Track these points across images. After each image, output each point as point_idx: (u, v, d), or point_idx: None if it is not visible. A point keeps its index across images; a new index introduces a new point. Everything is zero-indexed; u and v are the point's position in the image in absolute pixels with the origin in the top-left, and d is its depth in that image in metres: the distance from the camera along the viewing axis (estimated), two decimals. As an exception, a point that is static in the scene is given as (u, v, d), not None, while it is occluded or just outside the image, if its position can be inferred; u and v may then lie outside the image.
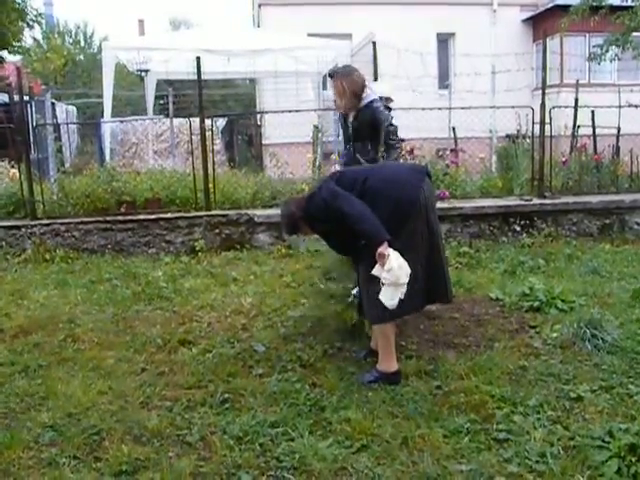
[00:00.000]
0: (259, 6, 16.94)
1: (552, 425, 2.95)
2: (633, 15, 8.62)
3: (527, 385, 3.40)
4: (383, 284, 3.23)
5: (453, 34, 17.42)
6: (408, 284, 3.23)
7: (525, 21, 18.06)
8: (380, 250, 3.21)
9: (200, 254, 6.77)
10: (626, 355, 3.78)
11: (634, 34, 9.12)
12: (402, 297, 3.23)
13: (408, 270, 3.22)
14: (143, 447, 2.85)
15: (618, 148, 9.25)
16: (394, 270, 3.18)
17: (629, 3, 9.04)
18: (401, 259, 3.21)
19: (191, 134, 7.79)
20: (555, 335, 4.12)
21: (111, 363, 3.87)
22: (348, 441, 2.84)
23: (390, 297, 3.23)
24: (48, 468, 2.72)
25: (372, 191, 3.39)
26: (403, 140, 4.77)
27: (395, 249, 3.22)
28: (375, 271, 3.28)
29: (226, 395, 3.34)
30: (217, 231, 7.03)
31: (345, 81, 4.41)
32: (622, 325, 4.26)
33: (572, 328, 4.09)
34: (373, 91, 4.62)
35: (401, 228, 3.34)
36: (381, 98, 5.95)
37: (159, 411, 3.20)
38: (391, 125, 4.60)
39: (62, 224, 7.05)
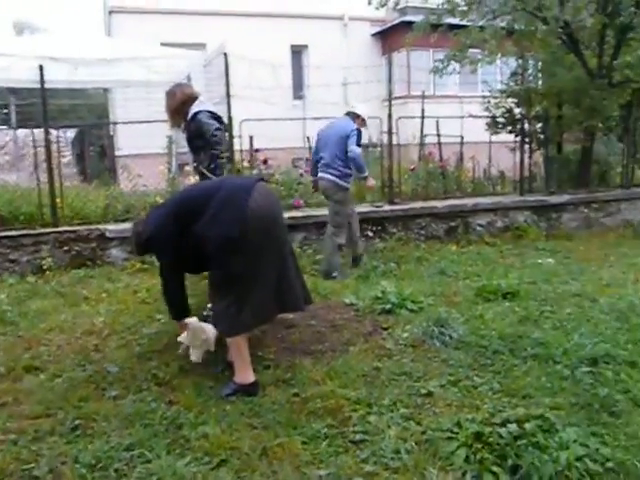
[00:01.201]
0: (109, 13, 16.34)
1: (405, 422, 3.07)
2: (468, 33, 9.22)
3: (381, 385, 3.52)
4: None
5: (306, 46, 17.79)
6: (260, 295, 3.44)
7: (374, 35, 18.81)
8: (180, 325, 3.82)
9: (48, 273, 6.38)
10: (471, 349, 4.03)
11: (471, 50, 9.77)
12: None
13: (212, 329, 3.71)
14: (-17, 488, 2.63)
15: (462, 155, 9.88)
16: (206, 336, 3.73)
17: (465, 22, 9.65)
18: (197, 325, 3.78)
19: (35, 146, 7.35)
20: (406, 335, 4.30)
21: (-55, 398, 3.53)
22: (207, 457, 2.80)
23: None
24: None
25: (210, 215, 3.40)
26: (223, 151, 4.87)
27: (240, 265, 3.37)
28: (181, 339, 3.86)
29: (77, 421, 3.16)
30: (66, 248, 6.65)
31: (167, 100, 4.76)
32: (467, 321, 4.54)
33: (421, 327, 4.31)
34: (204, 103, 4.71)
35: (240, 246, 3.35)
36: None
37: (2, 446, 2.96)
38: (214, 136, 4.69)
39: None
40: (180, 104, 4.75)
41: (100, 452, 2.84)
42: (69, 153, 14.31)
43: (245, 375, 3.46)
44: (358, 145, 6.24)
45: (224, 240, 3.34)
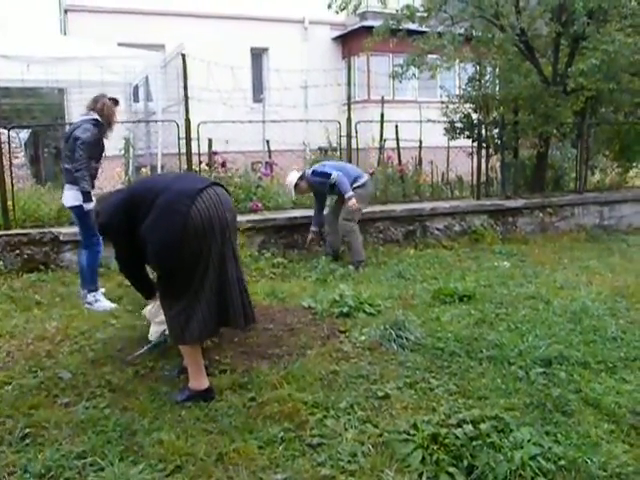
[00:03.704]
0: (65, 12, 16.00)
1: (362, 425, 3.07)
2: (427, 39, 9.31)
3: (338, 389, 3.51)
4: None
5: (267, 49, 17.77)
6: (206, 306, 3.39)
7: (335, 39, 18.91)
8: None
9: (-1, 277, 6.22)
10: (428, 352, 4.05)
11: (429, 56, 9.85)
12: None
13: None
14: None
15: (420, 159, 9.97)
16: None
17: (424, 28, 9.74)
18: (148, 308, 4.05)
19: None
20: (363, 338, 4.31)
21: None
22: (161, 464, 2.75)
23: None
24: None
25: (152, 217, 3.33)
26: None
27: (180, 273, 3.33)
28: (145, 312, 4.08)
29: (27, 430, 3.06)
30: (18, 252, 6.45)
31: None
32: (424, 324, 4.58)
33: (379, 330, 4.31)
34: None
35: (178, 255, 3.28)
36: None
37: (-54, 457, 2.84)
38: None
39: None
40: None
41: (50, 461, 2.76)
42: (22, 154, 13.94)
43: (199, 381, 3.41)
44: None
45: (162, 246, 3.29)
